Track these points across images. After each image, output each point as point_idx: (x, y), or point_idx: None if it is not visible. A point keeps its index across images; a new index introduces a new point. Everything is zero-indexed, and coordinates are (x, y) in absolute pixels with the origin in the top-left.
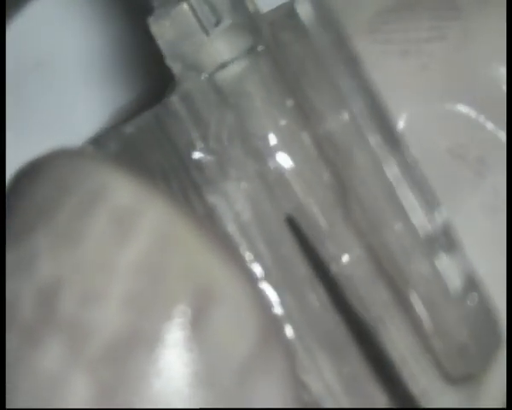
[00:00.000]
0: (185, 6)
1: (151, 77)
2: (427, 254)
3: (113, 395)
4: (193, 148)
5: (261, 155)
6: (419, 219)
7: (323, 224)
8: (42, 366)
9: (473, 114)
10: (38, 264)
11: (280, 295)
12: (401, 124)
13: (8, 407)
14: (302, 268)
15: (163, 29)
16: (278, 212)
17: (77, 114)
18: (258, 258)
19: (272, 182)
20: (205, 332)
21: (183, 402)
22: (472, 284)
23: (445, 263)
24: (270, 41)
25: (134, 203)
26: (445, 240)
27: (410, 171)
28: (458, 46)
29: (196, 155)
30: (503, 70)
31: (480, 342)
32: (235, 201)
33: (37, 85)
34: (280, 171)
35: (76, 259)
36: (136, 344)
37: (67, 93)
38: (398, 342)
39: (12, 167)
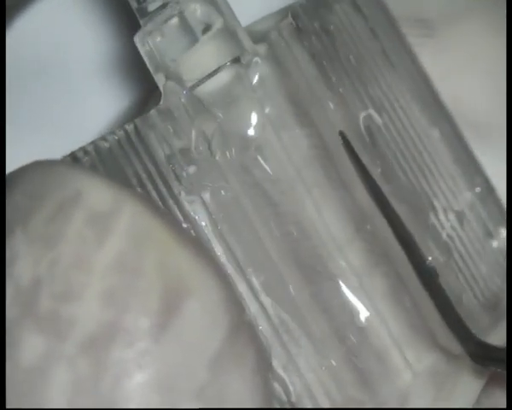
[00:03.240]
0: (175, 21)
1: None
2: None
3: (91, 387)
4: (172, 159)
5: (242, 164)
6: None
7: (305, 231)
8: (21, 361)
9: None
10: (17, 265)
11: (260, 297)
12: None
13: None
14: (283, 274)
15: (149, 45)
16: (258, 220)
17: (79, 116)
18: (236, 264)
19: (253, 190)
20: (177, 326)
21: (160, 394)
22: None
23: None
24: (268, 50)
25: (109, 206)
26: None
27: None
28: (429, 64)
29: (175, 165)
30: (469, 85)
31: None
32: (213, 210)
33: (40, 88)
34: (261, 179)
35: (53, 258)
36: (113, 338)
37: (70, 95)
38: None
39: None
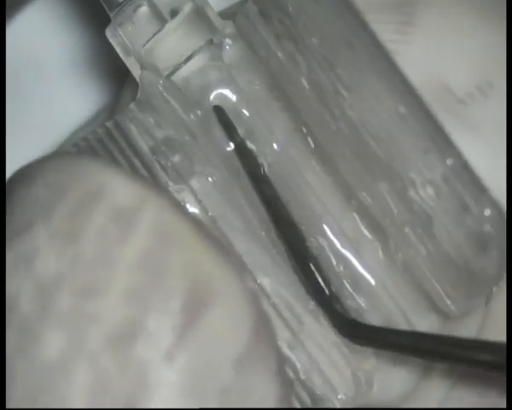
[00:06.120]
0: (144, 8)
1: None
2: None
3: (112, 384)
4: (156, 150)
5: (226, 144)
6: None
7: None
8: (42, 357)
9: None
10: (38, 259)
11: (258, 278)
12: None
13: (7, 401)
14: (275, 252)
15: (121, 37)
16: (247, 201)
17: (55, 114)
18: (229, 249)
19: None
20: (202, 327)
21: (183, 394)
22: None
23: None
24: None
25: (133, 201)
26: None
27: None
28: (413, 50)
29: (161, 156)
30: (454, 67)
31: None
32: (202, 196)
33: (30, 86)
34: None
35: (76, 253)
36: (136, 336)
37: (45, 95)
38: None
39: (11, 167)
